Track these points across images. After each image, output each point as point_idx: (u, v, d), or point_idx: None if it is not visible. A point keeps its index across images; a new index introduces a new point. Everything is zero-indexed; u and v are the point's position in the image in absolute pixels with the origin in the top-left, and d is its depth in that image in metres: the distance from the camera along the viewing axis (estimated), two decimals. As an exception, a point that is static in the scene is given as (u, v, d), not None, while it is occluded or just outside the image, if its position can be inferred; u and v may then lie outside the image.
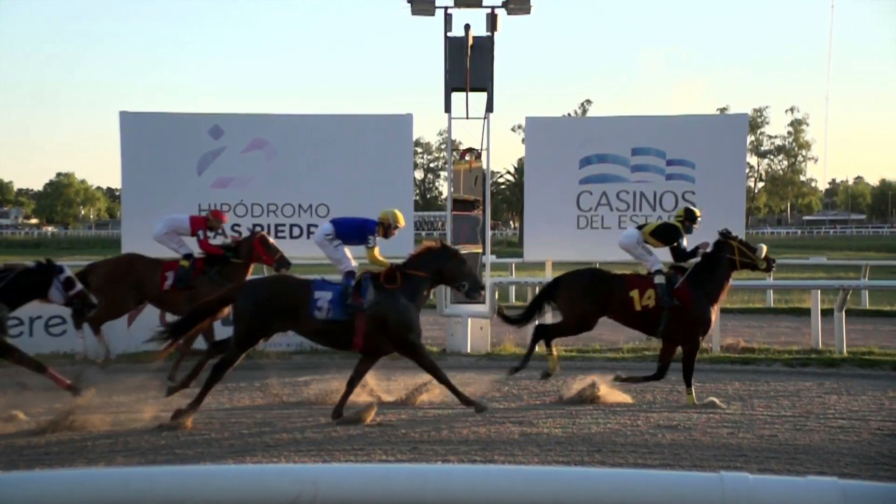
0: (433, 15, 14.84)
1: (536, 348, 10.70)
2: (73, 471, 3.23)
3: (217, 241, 12.33)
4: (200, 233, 12.24)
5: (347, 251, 10.11)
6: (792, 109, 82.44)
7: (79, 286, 9.68)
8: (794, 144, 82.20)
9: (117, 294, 11.78)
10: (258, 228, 13.60)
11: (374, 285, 9.59)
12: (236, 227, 14.53)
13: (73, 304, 9.67)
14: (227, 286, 10.98)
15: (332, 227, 10.25)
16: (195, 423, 8.95)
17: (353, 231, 10.18)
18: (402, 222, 10.39)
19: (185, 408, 8.98)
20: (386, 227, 10.18)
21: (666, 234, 10.84)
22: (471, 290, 9.92)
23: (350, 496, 2.98)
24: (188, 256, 12.18)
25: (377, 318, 9.43)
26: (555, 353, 10.76)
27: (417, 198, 71.68)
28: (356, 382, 9.61)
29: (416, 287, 9.72)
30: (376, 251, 9.94)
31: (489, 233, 15.21)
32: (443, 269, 9.83)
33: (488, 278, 15.15)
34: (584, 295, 10.53)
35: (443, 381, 9.52)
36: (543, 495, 2.98)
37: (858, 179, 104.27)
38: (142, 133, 14.80)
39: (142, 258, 12.28)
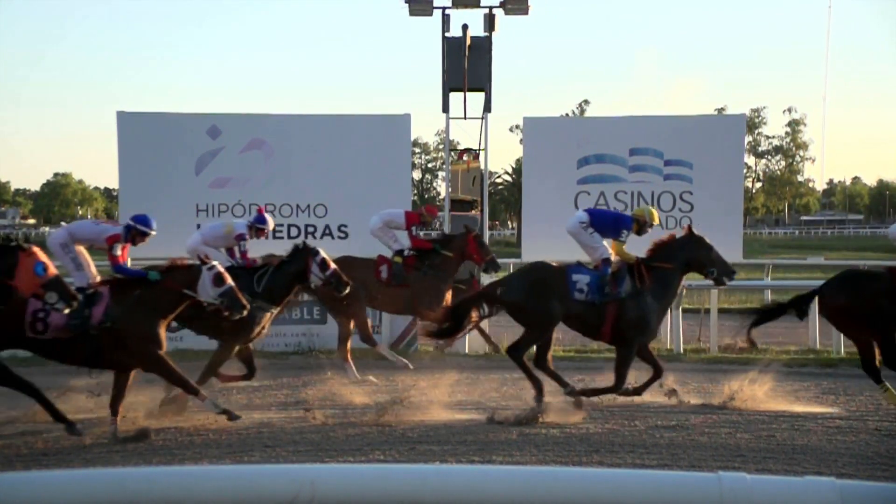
0: (431, 15, 14.85)
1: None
2: (71, 471, 3.22)
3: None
4: (413, 228, 12.40)
5: (600, 239, 10.13)
6: (789, 110, 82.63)
7: (333, 266, 10.08)
8: (791, 145, 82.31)
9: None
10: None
11: (630, 277, 9.63)
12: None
13: (330, 283, 10.03)
14: (441, 280, 11.70)
15: (588, 216, 10.22)
16: (193, 425, 8.94)
17: (608, 223, 10.20)
18: (656, 220, 10.39)
19: (578, 396, 9.66)
20: (641, 224, 10.15)
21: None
22: (720, 276, 9.83)
23: (348, 496, 2.98)
24: (399, 252, 12.28)
25: (621, 311, 9.53)
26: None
27: (415, 198, 71.58)
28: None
29: (666, 282, 9.70)
30: (624, 246, 9.97)
31: (487, 233, 15.20)
32: (691, 258, 9.74)
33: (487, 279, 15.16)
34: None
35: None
36: (541, 496, 2.98)
37: (856, 180, 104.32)
38: (139, 133, 14.78)
39: (356, 258, 12.29)
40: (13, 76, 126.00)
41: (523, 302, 9.75)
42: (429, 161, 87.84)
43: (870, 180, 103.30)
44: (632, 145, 15.04)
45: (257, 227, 12.02)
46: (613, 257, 9.99)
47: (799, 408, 9.82)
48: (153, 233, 9.77)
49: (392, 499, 2.98)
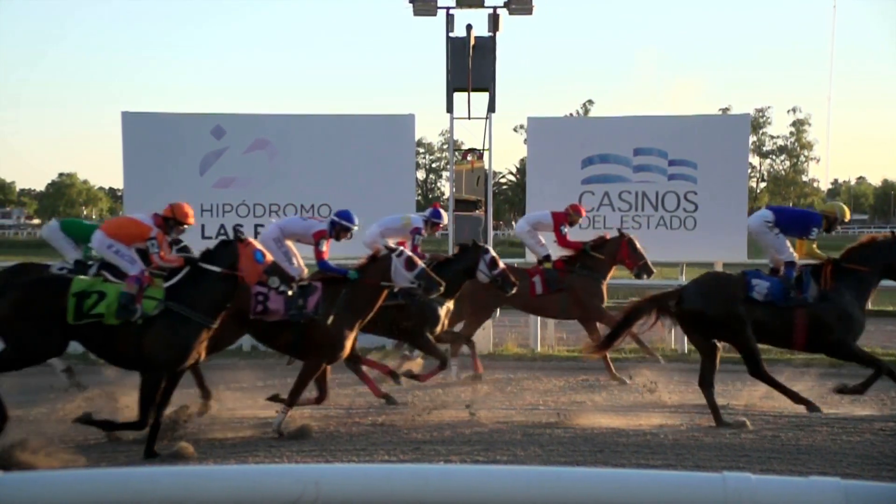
0: (435, 15, 14.85)
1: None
2: (75, 471, 3.23)
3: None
4: (562, 228, 12.29)
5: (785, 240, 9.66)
6: (794, 110, 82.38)
7: (502, 265, 10.30)
8: (796, 145, 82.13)
9: (487, 301, 11.75)
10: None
11: (815, 280, 9.25)
12: (238, 227, 14.53)
13: (496, 282, 10.21)
14: (597, 280, 11.67)
15: (773, 214, 9.76)
16: (195, 424, 8.95)
17: (795, 221, 9.78)
18: (847, 216, 10.08)
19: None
20: (831, 221, 9.83)
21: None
22: None
23: (352, 496, 2.99)
24: (547, 257, 12.17)
25: (815, 315, 9.07)
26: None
27: (419, 198, 71.55)
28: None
29: (860, 284, 9.22)
30: (814, 245, 9.68)
31: (491, 233, 15.20)
32: (893, 262, 9.22)
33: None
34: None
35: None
36: (546, 496, 2.98)
37: (861, 180, 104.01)
38: (144, 133, 14.82)
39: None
40: (18, 76, 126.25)
41: (706, 309, 9.23)
42: (433, 161, 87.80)
43: (875, 180, 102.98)
44: (636, 145, 15.03)
45: (433, 221, 11.97)
46: (797, 259, 9.54)
47: (803, 408, 9.80)
48: (356, 227, 10.14)
49: (396, 498, 2.98)
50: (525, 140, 18.82)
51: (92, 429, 8.35)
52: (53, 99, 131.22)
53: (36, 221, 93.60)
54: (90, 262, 10.37)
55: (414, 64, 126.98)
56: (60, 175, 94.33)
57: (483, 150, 16.04)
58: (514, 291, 10.36)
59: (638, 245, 12.09)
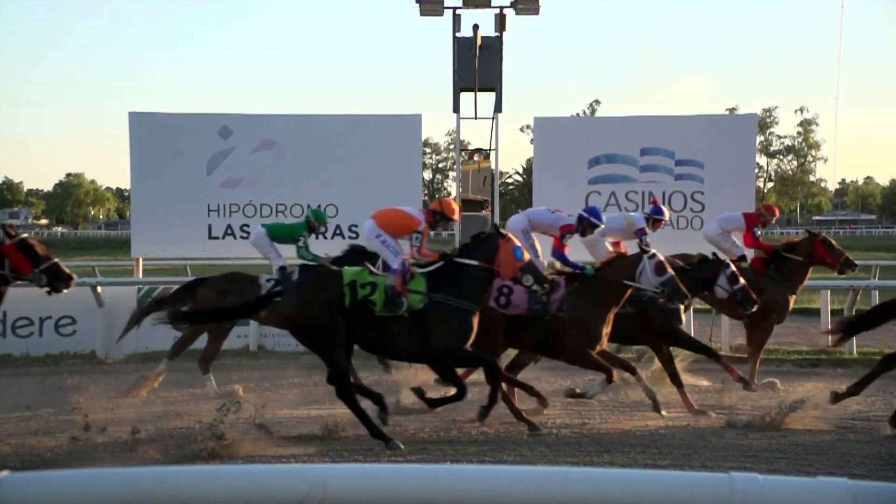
0: (442, 15, 14.88)
1: None
2: (82, 471, 3.23)
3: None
4: (755, 230, 11.98)
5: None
6: (801, 109, 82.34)
7: (742, 281, 9.72)
8: (803, 144, 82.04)
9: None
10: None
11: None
12: (245, 227, 14.58)
13: (735, 297, 9.68)
14: (790, 290, 11.21)
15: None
16: (202, 424, 8.95)
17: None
18: None
19: None
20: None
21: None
22: None
23: (359, 496, 2.98)
24: (743, 257, 11.78)
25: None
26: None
27: (426, 198, 71.61)
28: None
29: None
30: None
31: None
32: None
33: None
34: None
35: None
36: (552, 496, 2.97)
37: (868, 180, 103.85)
38: (151, 133, 14.86)
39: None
40: (24, 77, 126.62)
41: None
42: (439, 161, 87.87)
43: (882, 180, 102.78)
44: (643, 145, 15.03)
45: (654, 218, 11.56)
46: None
47: (810, 408, 9.77)
48: (602, 226, 10.13)
49: (403, 499, 2.98)
50: (532, 140, 18.87)
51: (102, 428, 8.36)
52: (60, 99, 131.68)
53: (43, 221, 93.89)
54: (291, 271, 10.57)
55: (420, 64, 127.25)
56: (68, 175, 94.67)
57: (489, 150, 16.07)
58: (754, 309, 9.87)
59: (834, 242, 11.68)
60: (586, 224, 9.93)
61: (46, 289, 8.31)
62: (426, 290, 8.09)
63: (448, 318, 8.04)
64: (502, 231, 8.39)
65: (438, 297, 8.05)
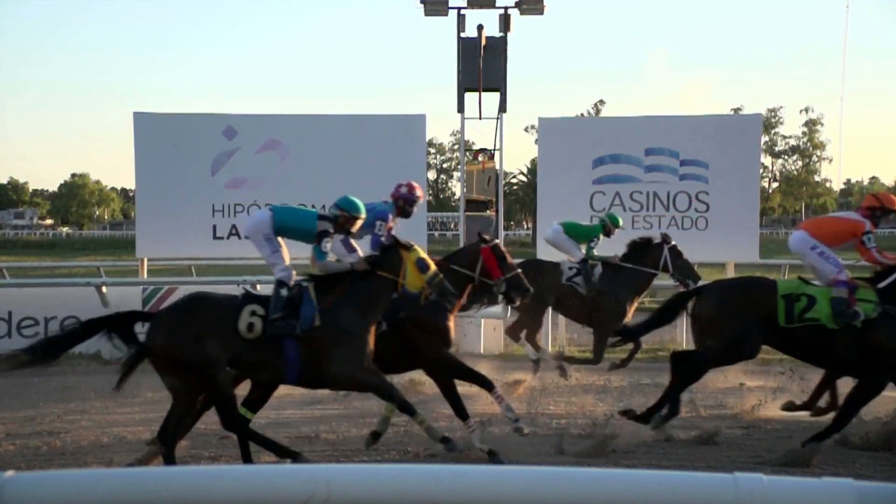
0: (446, 15, 14.87)
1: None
2: (88, 471, 3.24)
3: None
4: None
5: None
6: (806, 109, 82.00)
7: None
8: (808, 145, 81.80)
9: None
10: None
11: None
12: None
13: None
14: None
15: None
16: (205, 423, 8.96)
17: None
18: None
19: None
20: None
21: None
22: None
23: (363, 497, 2.98)
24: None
25: None
26: None
27: (430, 198, 71.52)
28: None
29: None
30: None
31: (502, 233, 15.19)
32: None
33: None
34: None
35: None
36: (557, 496, 2.97)
37: (873, 180, 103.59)
38: (156, 134, 14.87)
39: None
40: (29, 77, 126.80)
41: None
42: (444, 161, 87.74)
43: (888, 180, 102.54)
44: (647, 145, 15.01)
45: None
46: None
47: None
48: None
49: (407, 499, 2.98)
50: (536, 140, 18.81)
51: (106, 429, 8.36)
52: (66, 100, 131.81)
53: (48, 221, 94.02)
54: (594, 262, 11.70)
55: (425, 64, 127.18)
56: (73, 175, 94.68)
57: (494, 150, 16.04)
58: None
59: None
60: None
61: (503, 297, 8.24)
62: (876, 298, 7.91)
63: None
64: None
65: (889, 309, 7.89)
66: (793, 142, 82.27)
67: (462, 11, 14.75)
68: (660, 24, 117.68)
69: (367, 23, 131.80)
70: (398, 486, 3.00)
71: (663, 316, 8.91)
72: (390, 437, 8.54)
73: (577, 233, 11.99)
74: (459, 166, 17.45)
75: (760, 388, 10.61)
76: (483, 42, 14.57)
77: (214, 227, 14.76)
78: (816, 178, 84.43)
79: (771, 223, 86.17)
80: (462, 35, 14.76)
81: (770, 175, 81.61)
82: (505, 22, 14.73)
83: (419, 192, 9.54)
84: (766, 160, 79.35)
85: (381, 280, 7.49)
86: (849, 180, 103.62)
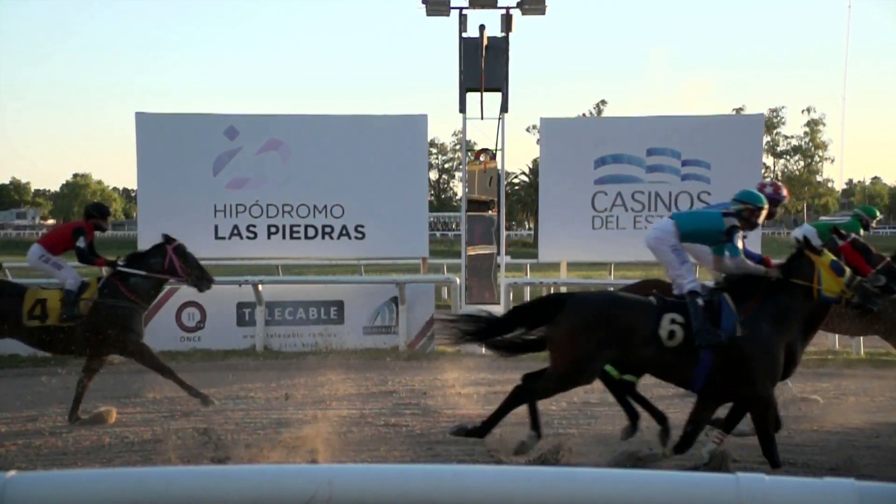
0: (448, 15, 14.86)
1: None
2: (90, 471, 3.24)
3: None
4: None
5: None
6: (808, 110, 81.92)
7: None
8: (810, 145, 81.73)
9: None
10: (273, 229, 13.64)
11: None
12: (251, 227, 14.62)
13: None
14: None
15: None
16: (208, 424, 8.97)
17: None
18: None
19: None
20: None
21: None
22: None
23: (365, 496, 2.98)
24: None
25: None
26: None
27: (432, 198, 71.53)
28: None
29: None
30: None
31: (504, 233, 15.19)
32: None
33: (503, 279, 15.15)
34: None
35: None
36: (559, 496, 2.97)
37: (875, 180, 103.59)
38: (157, 134, 14.87)
39: None
40: (31, 77, 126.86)
41: None
42: (445, 161, 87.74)
43: (890, 180, 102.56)
44: (649, 145, 14.99)
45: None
46: None
47: (817, 409, 9.76)
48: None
49: (409, 499, 2.98)
50: (538, 140, 18.80)
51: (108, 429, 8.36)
52: (67, 100, 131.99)
53: (50, 222, 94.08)
54: None
55: (427, 64, 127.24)
56: (75, 176, 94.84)
57: (496, 150, 16.04)
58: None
59: None
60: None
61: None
62: None
63: None
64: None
65: None
66: (794, 142, 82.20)
67: (464, 11, 14.74)
68: (661, 24, 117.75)
69: (369, 23, 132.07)
70: (400, 485, 3.00)
71: None
72: (392, 436, 8.55)
73: (823, 228, 10.55)
74: (461, 166, 17.44)
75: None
76: (485, 42, 14.56)
77: (216, 228, 14.76)
78: (818, 179, 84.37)
79: (773, 223, 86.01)
80: (464, 35, 14.75)
81: (772, 175, 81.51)
82: (507, 22, 14.72)
83: (785, 192, 8.99)
84: (768, 160, 79.34)
85: (796, 288, 7.21)
86: (851, 180, 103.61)
